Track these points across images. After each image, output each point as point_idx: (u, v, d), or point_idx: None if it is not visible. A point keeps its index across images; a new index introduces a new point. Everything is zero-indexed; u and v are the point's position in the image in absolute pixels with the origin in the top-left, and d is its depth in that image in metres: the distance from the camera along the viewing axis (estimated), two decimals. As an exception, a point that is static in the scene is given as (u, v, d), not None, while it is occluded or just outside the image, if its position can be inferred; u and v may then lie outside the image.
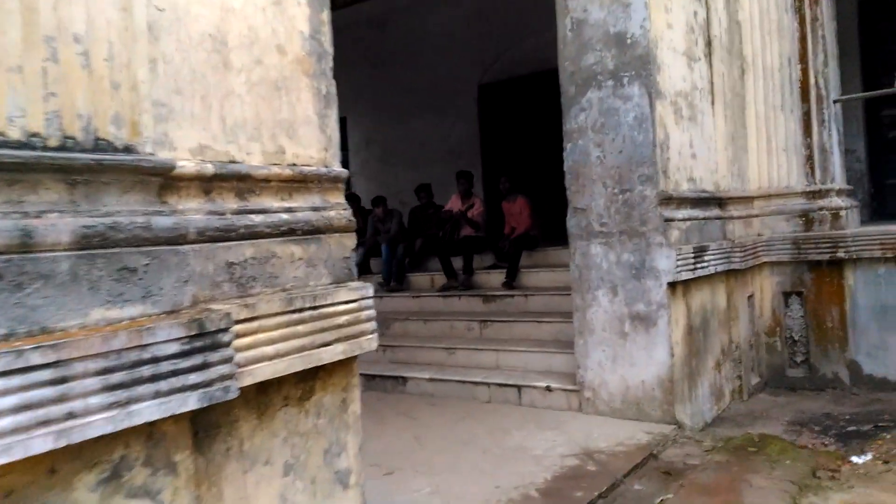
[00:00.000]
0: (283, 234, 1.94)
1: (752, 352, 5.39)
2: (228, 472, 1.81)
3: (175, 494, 1.62)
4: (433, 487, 3.54)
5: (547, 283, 6.53)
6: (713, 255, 4.72)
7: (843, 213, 5.46)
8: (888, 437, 4.04)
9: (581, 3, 4.55)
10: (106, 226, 1.49)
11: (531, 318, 5.94)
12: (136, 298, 1.56)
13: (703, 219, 4.84)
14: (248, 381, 1.76)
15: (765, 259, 5.50)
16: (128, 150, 1.57)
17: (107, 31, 1.54)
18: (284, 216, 1.95)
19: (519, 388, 5.04)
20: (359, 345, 2.06)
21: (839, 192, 5.61)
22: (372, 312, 2.10)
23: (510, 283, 6.62)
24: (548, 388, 4.89)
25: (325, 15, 2.18)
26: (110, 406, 1.42)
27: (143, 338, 1.50)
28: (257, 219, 1.88)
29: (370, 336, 2.09)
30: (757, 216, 5.65)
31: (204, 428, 1.76)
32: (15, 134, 1.36)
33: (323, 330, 1.95)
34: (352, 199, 9.14)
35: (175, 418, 1.61)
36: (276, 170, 1.95)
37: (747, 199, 5.60)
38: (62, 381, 1.33)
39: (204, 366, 1.60)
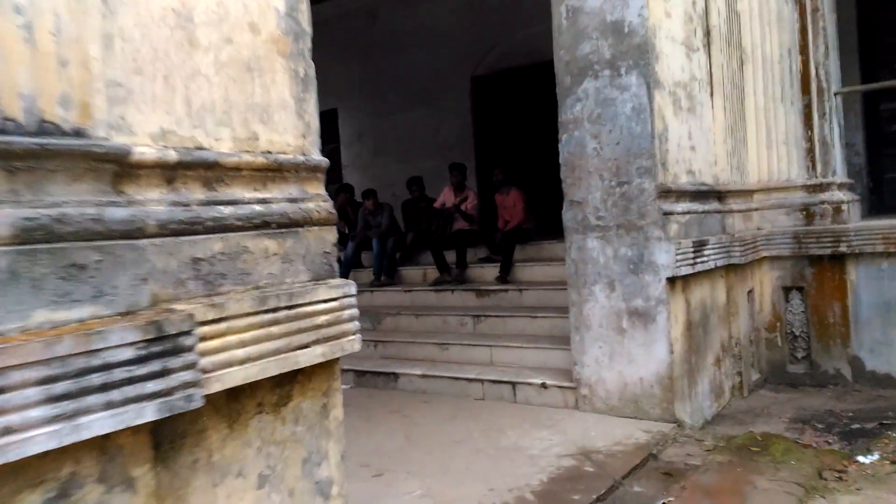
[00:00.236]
0: (255, 227, 1.78)
1: (752, 348, 5.27)
2: (196, 486, 1.66)
3: (133, 513, 1.48)
4: (424, 490, 3.40)
5: (541, 278, 6.39)
6: (713, 249, 4.59)
7: (844, 206, 5.34)
8: (894, 435, 3.91)
9: (577, -12, 4.39)
10: (51, 218, 1.34)
11: (526, 312, 5.80)
12: (87, 299, 1.41)
13: (703, 212, 4.70)
14: (216, 387, 1.61)
15: (765, 253, 5.37)
16: (78, 134, 1.42)
17: (53, 1, 1.38)
18: (257, 208, 1.80)
19: (513, 384, 4.90)
20: (340, 346, 1.91)
21: (840, 186, 5.48)
22: (354, 312, 1.95)
23: (504, 277, 6.47)
24: (543, 385, 4.76)
25: (304, -9, 2.02)
26: (54, 419, 1.26)
27: (92, 342, 1.35)
28: (227, 210, 1.73)
29: (353, 337, 1.94)
30: (757, 210, 5.52)
31: (168, 439, 1.61)
32: (-59, 114, 1.21)
33: (300, 331, 1.80)
34: (345, 189, 8.97)
35: (133, 430, 1.46)
36: (247, 157, 1.79)
37: (747, 193, 5.47)
38: (-4, 392, 1.18)
39: (163, 373, 1.44)
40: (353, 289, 1.95)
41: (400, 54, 10.63)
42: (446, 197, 7.59)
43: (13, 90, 1.32)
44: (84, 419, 1.31)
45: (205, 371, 1.59)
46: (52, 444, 1.26)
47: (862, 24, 7.27)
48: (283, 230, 1.86)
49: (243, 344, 1.68)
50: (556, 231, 4.84)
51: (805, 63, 5.44)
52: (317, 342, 1.85)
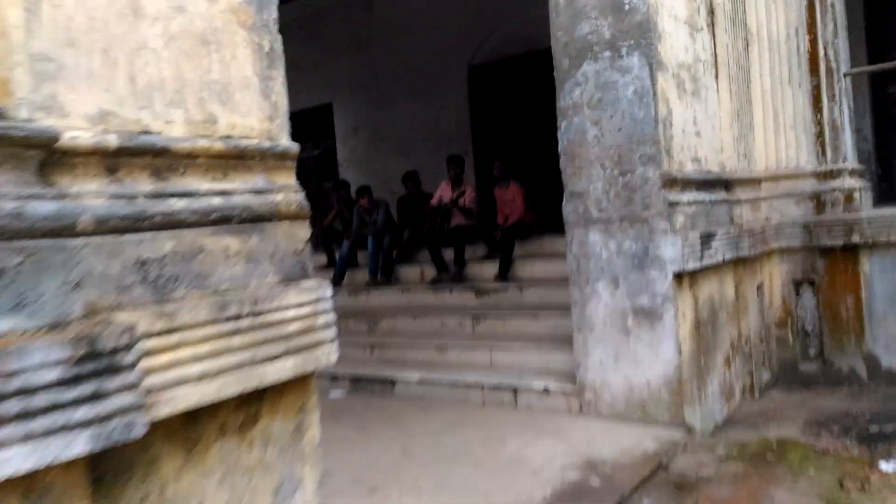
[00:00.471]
0: (214, 222, 1.55)
1: (762, 346, 5.04)
2: (146, 524, 1.43)
3: (65, 563, 1.25)
4: (419, 507, 3.18)
5: (542, 274, 6.16)
6: (721, 241, 4.36)
7: (856, 194, 5.11)
8: (917, 438, 3.69)
9: (575, -32, 4.16)
10: (-46, 214, 1.11)
11: (527, 312, 5.57)
12: (4, 309, 1.18)
13: (710, 202, 4.47)
14: (165, 411, 1.38)
15: (774, 245, 5.14)
16: (-10, 114, 1.19)
17: (-47, -46, 1.15)
18: (216, 201, 1.56)
19: (515, 389, 4.68)
20: (315, 358, 1.68)
21: (852, 173, 5.25)
22: (331, 317, 1.72)
23: (503, 274, 6.24)
24: (545, 390, 4.53)
25: (269, -45, 1.78)
26: (-47, 459, 1.04)
27: (7, 361, 1.12)
28: (179, 204, 1.49)
29: (329, 346, 1.71)
30: (765, 199, 5.29)
31: (111, 472, 1.38)
32: None
33: (267, 341, 1.57)
34: (340, 186, 8.73)
35: (65, 465, 1.23)
36: (204, 143, 1.56)
37: (754, 181, 5.24)
38: None
39: (96, 396, 1.21)
40: (328, 291, 1.71)
41: (395, 45, 10.41)
42: (443, 192, 7.35)
43: None
44: (-5, 456, 1.08)
45: (151, 392, 1.36)
46: (-49, 489, 1.04)
47: (868, 4, 7.04)
48: (247, 226, 1.62)
49: (199, 358, 1.45)
50: (557, 225, 4.62)
51: (813, 43, 5.20)
52: (287, 354, 1.62)
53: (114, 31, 1.45)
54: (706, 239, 4.17)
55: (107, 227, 1.37)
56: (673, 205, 3.97)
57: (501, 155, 7.40)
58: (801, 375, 5.10)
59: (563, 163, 4.28)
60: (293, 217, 1.73)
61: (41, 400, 1.15)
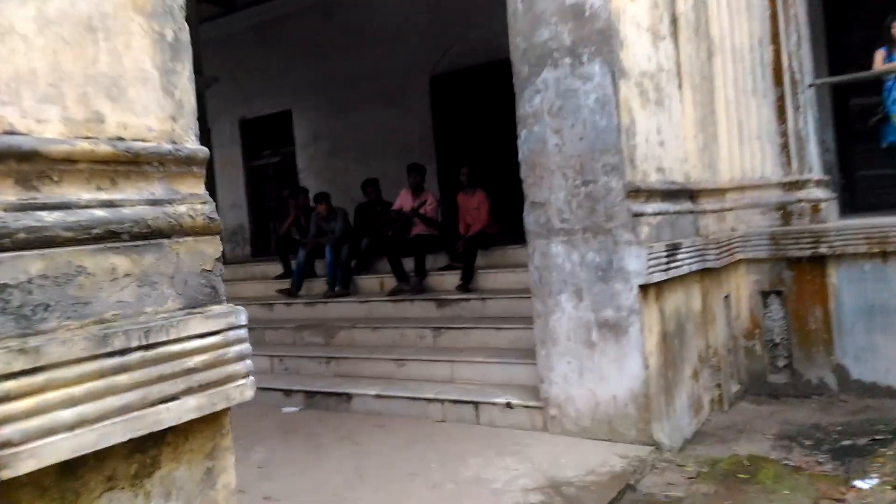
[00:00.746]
0: (97, 239, 1.32)
1: (730, 357, 4.91)
2: None
3: None
4: (369, 538, 2.95)
5: (506, 286, 5.98)
6: (687, 252, 4.22)
7: (822, 205, 5.03)
8: (889, 453, 3.57)
9: (534, -32, 4.00)
10: None
11: (489, 324, 5.37)
12: None
13: (675, 213, 4.33)
14: (27, 465, 1.15)
15: (741, 256, 5.02)
16: None
17: None
18: (100, 213, 1.33)
19: (476, 404, 4.47)
20: (225, 395, 1.46)
21: (818, 183, 5.18)
22: (245, 348, 1.49)
23: (465, 285, 6.05)
24: (508, 405, 4.33)
25: (174, -70, 1.56)
26: None
27: None
28: (51, 217, 1.26)
29: (242, 382, 1.49)
30: (730, 209, 5.18)
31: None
32: None
33: (163, 379, 1.34)
34: (300, 192, 8.46)
35: None
36: (86, 146, 1.33)
37: (720, 192, 5.13)
38: None
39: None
40: (242, 317, 1.49)
41: (356, 53, 10.22)
42: (404, 200, 7.14)
43: None
44: None
45: (9, 445, 1.13)
46: None
47: (830, 19, 7.04)
48: (141, 243, 1.39)
49: (73, 402, 1.22)
50: (521, 235, 4.44)
51: (777, 53, 5.13)
52: (189, 392, 1.39)
53: (-30, 13, 1.22)
54: (672, 250, 4.03)
55: (-46, 245, 1.14)
56: (637, 215, 3.81)
57: (468, 163, 7.19)
58: (770, 387, 4.99)
59: (523, 172, 4.11)
60: (200, 231, 1.50)
61: None
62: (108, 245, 1.34)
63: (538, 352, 4.13)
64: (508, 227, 6.72)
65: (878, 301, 4.64)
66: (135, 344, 1.30)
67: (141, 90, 1.46)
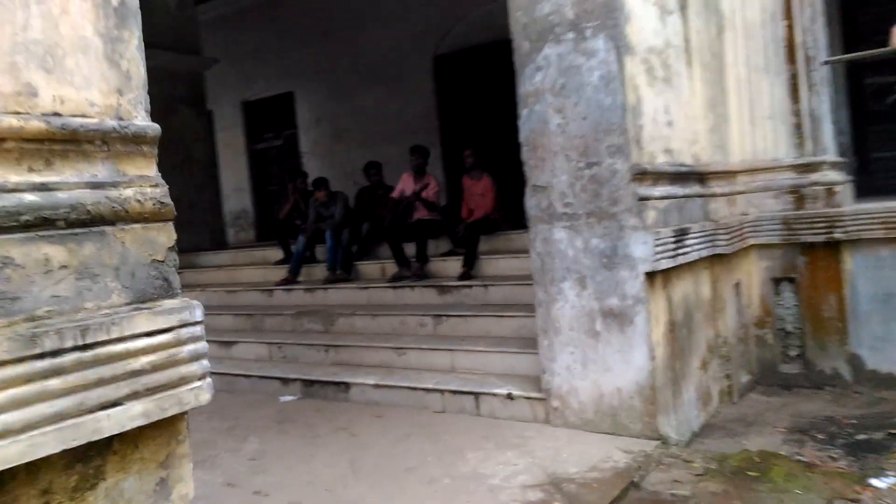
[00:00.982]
0: (27, 226, 1.17)
1: (740, 347, 4.74)
2: None
3: None
4: (360, 537, 2.82)
5: (509, 272, 5.81)
6: (696, 238, 4.05)
7: (837, 188, 4.82)
8: (906, 449, 3.41)
9: (537, -61, 3.80)
10: None
11: (491, 311, 5.22)
12: None
13: (683, 197, 4.15)
14: (-62, 485, 1.01)
15: (752, 241, 4.84)
16: None
17: None
18: (30, 197, 1.18)
19: (476, 395, 4.33)
20: (177, 399, 1.31)
21: (833, 165, 4.96)
22: (200, 347, 1.35)
23: (467, 272, 5.88)
24: (509, 396, 4.19)
25: None
26: None
27: None
28: (-30, 203, 1.12)
29: (198, 384, 1.34)
30: (742, 193, 4.99)
31: None
32: None
33: (102, 382, 1.20)
34: (298, 175, 8.29)
35: None
36: (13, 122, 1.18)
37: (730, 174, 4.93)
38: None
39: None
40: (197, 313, 1.34)
41: (358, 33, 10.04)
42: (406, 184, 6.96)
43: None
44: None
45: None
46: None
47: (844, -5, 6.77)
48: (80, 231, 1.25)
49: (-6, 410, 1.08)
50: (525, 220, 4.27)
51: (790, 29, 4.90)
52: (135, 396, 1.25)
53: None
54: (680, 235, 3.86)
55: None
56: (643, 199, 3.64)
57: (472, 144, 7.00)
58: (781, 377, 4.82)
59: (524, 154, 3.94)
60: (150, 218, 1.35)
61: None
62: (41, 233, 1.19)
63: (540, 342, 3.98)
64: (513, 210, 6.55)
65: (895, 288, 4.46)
66: (69, 344, 1.16)
67: (81, 60, 1.31)
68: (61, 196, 1.22)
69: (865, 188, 6.73)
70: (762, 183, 4.97)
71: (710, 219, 4.47)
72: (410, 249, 6.32)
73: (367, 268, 6.82)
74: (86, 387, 1.18)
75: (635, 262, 3.60)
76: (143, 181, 1.35)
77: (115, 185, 1.31)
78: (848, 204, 4.85)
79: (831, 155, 5.01)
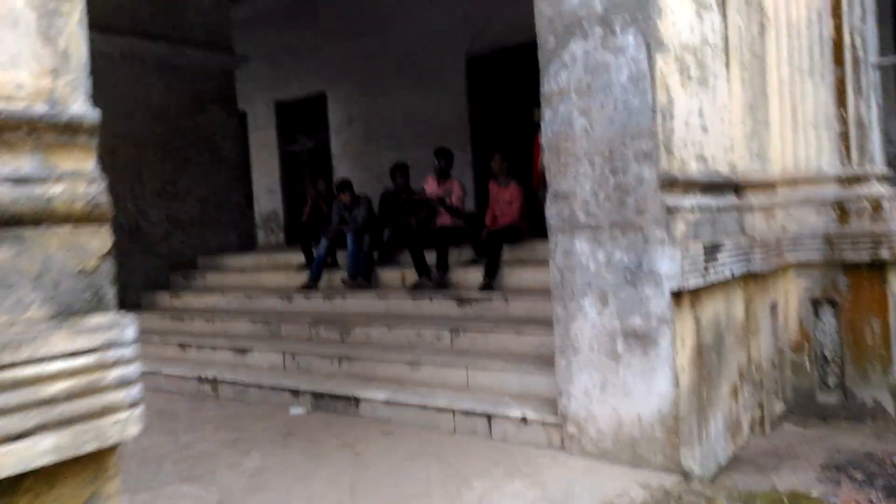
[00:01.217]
0: (-80, 227, 1.00)
1: (775, 372, 4.43)
2: None
3: None
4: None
5: (532, 284, 5.56)
6: (729, 254, 3.77)
7: (885, 203, 4.48)
8: (957, 494, 3.09)
9: (565, -68, 3.58)
10: None
11: (511, 326, 4.98)
12: None
13: (717, 208, 3.88)
14: None
15: (791, 259, 4.53)
16: None
17: None
18: (-72, 193, 1.01)
19: (489, 417, 4.11)
20: (98, 433, 1.13)
21: (880, 178, 4.62)
22: (130, 371, 1.16)
23: (489, 282, 5.66)
24: (523, 419, 3.96)
25: None
26: None
27: None
28: None
29: (124, 415, 1.16)
30: (781, 206, 4.67)
31: None
32: None
33: (5, 411, 1.02)
34: (319, 178, 8.19)
35: None
36: (-89, 104, 1.01)
37: (769, 185, 4.63)
38: None
39: None
40: (129, 331, 1.16)
41: (392, 33, 9.94)
42: (429, 188, 6.77)
43: None
44: None
45: None
46: None
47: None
48: (-10, 233, 1.07)
49: None
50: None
51: (838, 28, 4.57)
52: (45, 428, 1.07)
53: None
54: (711, 251, 3.59)
55: None
56: (672, 210, 3.38)
57: (501, 149, 6.77)
58: (818, 407, 4.49)
59: (546, 158, 3.72)
60: (80, 219, 1.17)
61: None
62: (-62, 235, 1.02)
63: (557, 362, 3.75)
64: (542, 220, 6.30)
65: (948, 315, 4.12)
66: (-38, 367, 0.99)
67: (8, 35, 1.13)
68: (-31, 192, 1.05)
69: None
70: (804, 195, 4.65)
71: (746, 233, 4.18)
72: (432, 257, 6.12)
73: (388, 275, 6.64)
74: (-17, 417, 1.00)
75: (661, 279, 3.34)
76: (76, 177, 1.18)
77: (41, 180, 1.13)
78: (895, 221, 4.51)
79: (879, 167, 4.67)
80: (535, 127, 6.96)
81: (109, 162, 7.45)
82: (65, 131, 1.18)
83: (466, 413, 4.19)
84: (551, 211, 3.70)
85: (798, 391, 4.55)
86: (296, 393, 5.06)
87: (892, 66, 5.70)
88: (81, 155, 1.21)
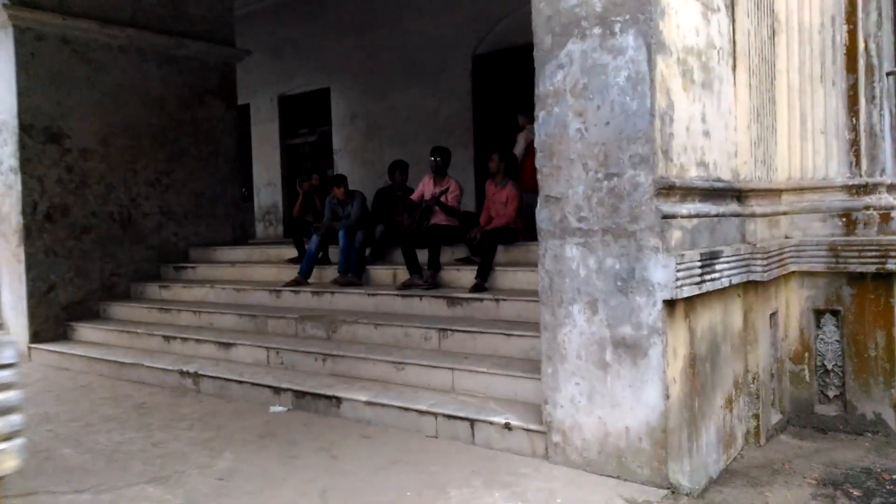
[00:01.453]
0: None
1: (773, 383, 4.27)
2: None
3: None
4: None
5: (525, 286, 5.43)
6: (727, 262, 3.61)
7: (894, 214, 4.31)
8: (959, 521, 2.94)
9: (563, -77, 3.42)
10: None
11: (501, 328, 4.84)
12: None
13: (716, 216, 3.72)
14: None
15: (793, 268, 4.36)
16: None
17: None
18: None
19: (472, 422, 3.98)
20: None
21: (890, 188, 4.45)
22: (9, 398, 1.02)
23: (480, 283, 5.52)
24: (507, 426, 3.83)
25: None
26: None
27: None
28: None
29: (2, 447, 1.02)
30: (785, 214, 4.51)
31: None
32: None
33: None
34: (310, 172, 8.08)
35: None
36: None
37: (774, 193, 4.46)
38: None
39: None
40: (5, 354, 1.02)
41: (397, 31, 9.83)
42: (426, 186, 6.63)
43: None
44: None
45: None
46: None
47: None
48: None
49: None
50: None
51: (852, 34, 4.40)
52: None
53: None
54: (709, 259, 3.43)
55: None
56: (668, 217, 3.22)
57: (499, 149, 6.61)
58: (816, 419, 4.34)
59: (539, 160, 3.57)
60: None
61: None
62: None
63: (544, 369, 3.61)
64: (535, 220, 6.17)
65: (954, 330, 3.94)
66: None
67: None
68: None
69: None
70: (809, 204, 4.49)
71: (747, 241, 4.02)
72: (424, 256, 5.98)
73: (379, 272, 6.51)
74: None
75: (653, 288, 3.19)
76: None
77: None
78: (904, 232, 4.34)
79: (889, 177, 4.49)
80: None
81: (102, 152, 7.43)
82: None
83: (449, 417, 4.06)
84: (542, 214, 3.56)
85: (796, 402, 4.39)
86: (277, 391, 4.94)
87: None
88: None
